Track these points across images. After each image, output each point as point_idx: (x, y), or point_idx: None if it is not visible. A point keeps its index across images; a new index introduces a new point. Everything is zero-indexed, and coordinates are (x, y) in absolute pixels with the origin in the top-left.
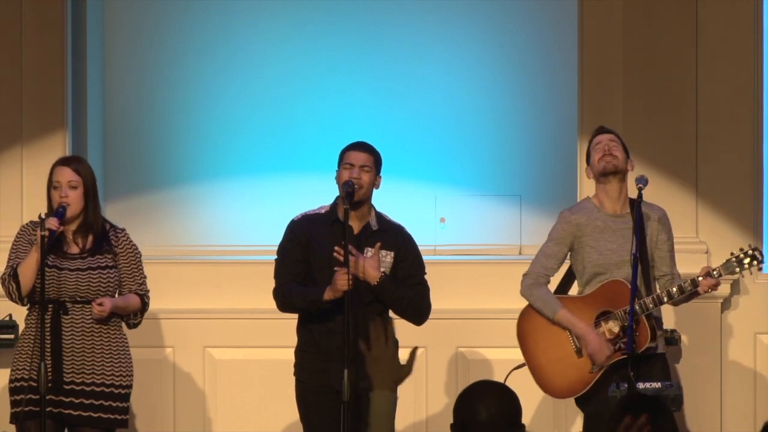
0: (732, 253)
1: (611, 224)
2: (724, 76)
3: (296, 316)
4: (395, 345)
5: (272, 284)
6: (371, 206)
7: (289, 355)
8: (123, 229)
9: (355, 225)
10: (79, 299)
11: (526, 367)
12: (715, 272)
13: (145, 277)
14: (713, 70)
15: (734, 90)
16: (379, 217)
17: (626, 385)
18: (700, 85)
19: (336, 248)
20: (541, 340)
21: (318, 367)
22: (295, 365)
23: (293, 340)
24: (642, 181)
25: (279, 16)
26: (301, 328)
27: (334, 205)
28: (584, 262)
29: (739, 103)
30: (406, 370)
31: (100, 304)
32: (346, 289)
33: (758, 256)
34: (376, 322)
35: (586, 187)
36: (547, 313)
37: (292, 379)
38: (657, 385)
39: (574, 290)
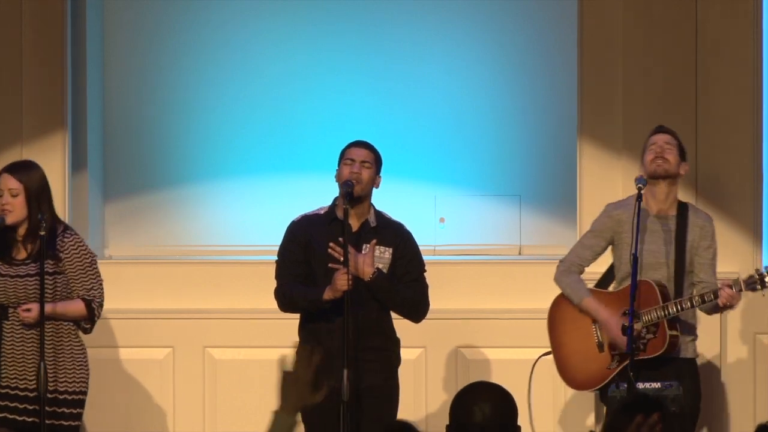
0: (756, 270)
1: (652, 225)
2: (723, 76)
3: (296, 316)
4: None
5: (272, 284)
6: (371, 204)
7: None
8: (72, 234)
9: (354, 223)
10: (21, 305)
11: (550, 357)
12: (735, 286)
13: (95, 282)
14: (713, 70)
15: (734, 90)
16: (378, 214)
17: (626, 386)
18: (700, 84)
19: (331, 244)
20: (568, 331)
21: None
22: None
23: (293, 340)
24: (641, 181)
25: (279, 16)
26: (302, 329)
27: (333, 206)
28: (621, 259)
29: (739, 103)
30: (317, 397)
31: (26, 310)
32: (345, 288)
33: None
34: (301, 350)
35: (586, 187)
36: (574, 299)
37: None
38: (657, 385)
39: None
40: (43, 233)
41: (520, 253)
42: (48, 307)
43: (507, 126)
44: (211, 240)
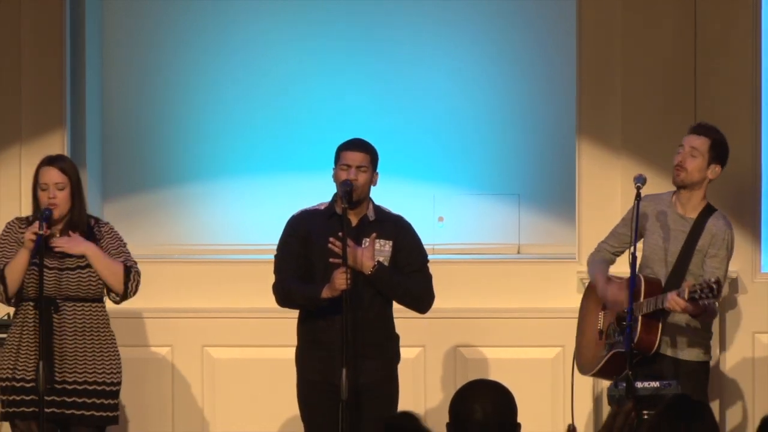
0: (703, 279)
1: (674, 223)
2: (723, 76)
3: (295, 314)
4: None
5: (271, 283)
6: (369, 199)
7: (287, 354)
8: (107, 223)
9: (353, 218)
10: (69, 296)
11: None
12: (681, 293)
13: (134, 260)
14: (712, 69)
15: (733, 89)
16: (377, 208)
17: (624, 385)
18: (699, 84)
19: (331, 239)
20: (587, 314)
21: (318, 365)
22: (296, 363)
23: (292, 339)
24: (640, 180)
25: (279, 16)
26: (301, 326)
27: (333, 202)
28: (643, 250)
29: (739, 103)
30: None
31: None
32: (344, 288)
33: (711, 293)
34: None
35: (585, 186)
36: (590, 274)
37: (291, 378)
38: (655, 384)
39: None
40: (41, 232)
41: (518, 252)
42: (92, 247)
43: (505, 125)
44: (210, 239)
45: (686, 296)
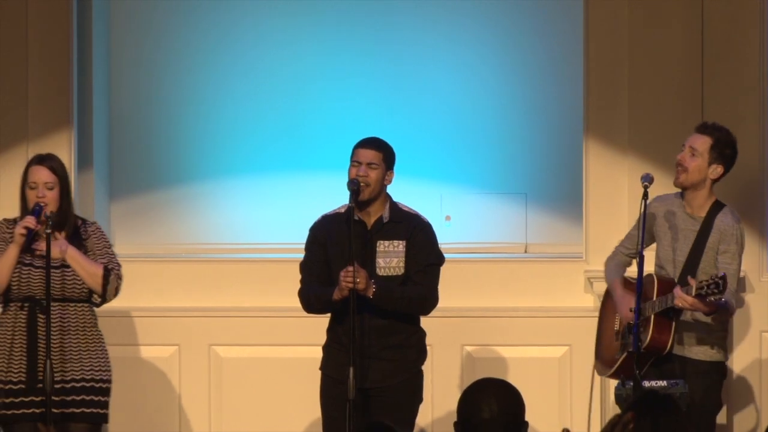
0: (711, 277)
1: (681, 223)
2: (730, 75)
3: (296, 314)
4: None
5: (278, 282)
6: (386, 198)
7: (295, 353)
8: (93, 222)
9: (369, 220)
10: (53, 297)
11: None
12: (684, 289)
13: (115, 259)
14: (719, 68)
15: (740, 89)
16: (393, 208)
17: (632, 384)
18: (706, 83)
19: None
20: (605, 318)
21: (340, 362)
22: (322, 359)
23: (299, 337)
24: (647, 179)
25: (288, 16)
26: (328, 329)
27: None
28: (656, 251)
29: (745, 102)
30: None
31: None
32: (351, 287)
33: (717, 289)
34: None
35: (592, 185)
36: (606, 280)
37: (298, 377)
38: (663, 383)
39: None
40: (49, 231)
41: (526, 251)
42: (71, 251)
43: (513, 124)
44: (218, 238)
45: (693, 293)
